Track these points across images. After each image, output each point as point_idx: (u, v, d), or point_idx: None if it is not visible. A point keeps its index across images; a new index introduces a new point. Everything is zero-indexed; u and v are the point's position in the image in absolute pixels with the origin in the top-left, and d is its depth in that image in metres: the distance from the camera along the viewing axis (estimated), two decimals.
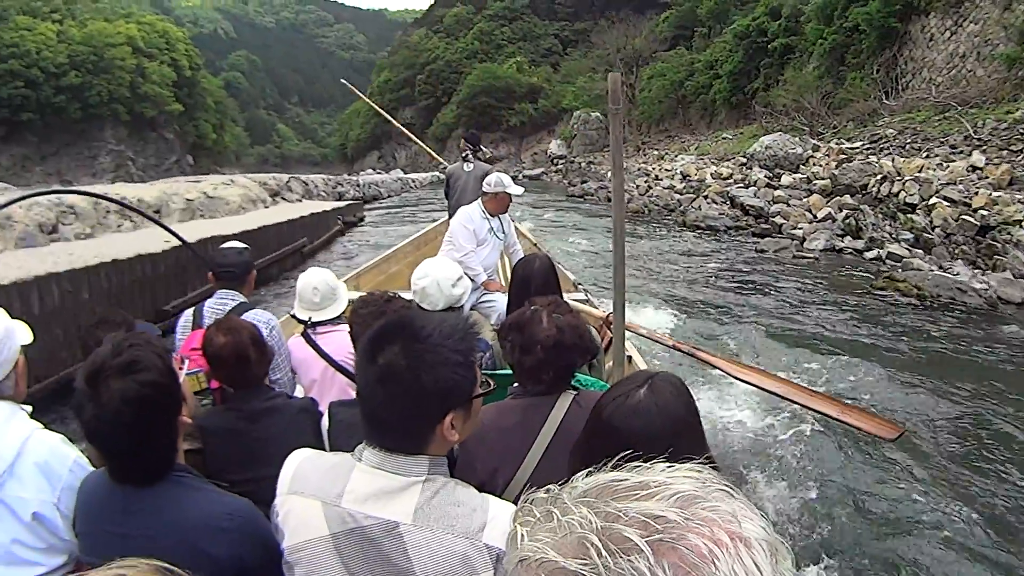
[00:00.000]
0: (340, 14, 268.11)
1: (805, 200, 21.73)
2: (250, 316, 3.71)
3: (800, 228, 19.22)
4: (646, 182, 35.99)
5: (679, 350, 4.74)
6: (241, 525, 1.93)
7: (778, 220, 20.57)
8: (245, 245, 4.28)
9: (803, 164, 28.09)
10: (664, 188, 32.32)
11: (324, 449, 2.62)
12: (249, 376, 2.96)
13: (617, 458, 0.77)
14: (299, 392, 3.90)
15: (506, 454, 2.34)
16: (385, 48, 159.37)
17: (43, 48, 60.83)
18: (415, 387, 1.61)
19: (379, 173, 66.09)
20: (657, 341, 5.10)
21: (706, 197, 26.80)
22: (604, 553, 0.62)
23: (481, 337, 2.80)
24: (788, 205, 21.68)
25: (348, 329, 3.20)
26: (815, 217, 19.87)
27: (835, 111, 37.59)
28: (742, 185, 26.52)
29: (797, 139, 30.47)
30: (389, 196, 46.76)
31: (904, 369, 8.94)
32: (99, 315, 3.75)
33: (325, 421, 2.92)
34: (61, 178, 61.45)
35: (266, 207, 20.80)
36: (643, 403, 1.69)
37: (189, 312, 4.06)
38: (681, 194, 29.84)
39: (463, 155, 9.57)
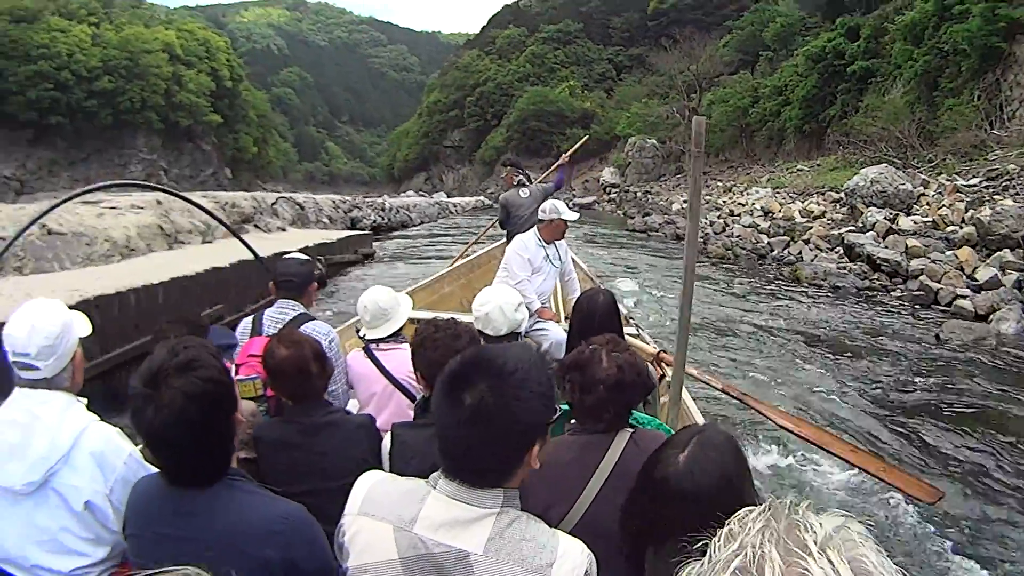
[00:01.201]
0: (393, 35, 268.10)
1: (949, 253, 16.83)
2: (309, 327, 3.76)
3: (965, 296, 14.18)
4: (721, 219, 31.35)
5: (728, 394, 4.50)
6: (294, 528, 1.93)
7: (924, 280, 15.52)
8: (307, 257, 4.32)
9: (914, 203, 23.32)
10: (745, 227, 27.56)
11: (381, 467, 2.67)
12: (309, 390, 2.95)
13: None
14: (352, 405, 3.95)
15: (561, 490, 2.29)
16: (436, 70, 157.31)
17: (76, 51, 58.29)
18: (506, 427, 1.63)
19: (419, 195, 62.10)
20: (707, 383, 4.73)
21: (806, 241, 22.13)
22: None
23: None
24: (931, 259, 16.62)
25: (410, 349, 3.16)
26: (972, 279, 14.99)
27: (931, 142, 32.90)
28: (852, 228, 21.57)
29: (902, 173, 25.48)
30: (421, 223, 42.37)
31: None
32: (176, 315, 3.88)
33: (387, 441, 2.81)
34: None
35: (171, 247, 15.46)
36: (695, 462, 1.66)
37: (248, 320, 4.07)
38: (769, 235, 25.00)
39: (517, 182, 9.19)
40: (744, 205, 33.29)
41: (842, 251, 19.75)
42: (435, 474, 1.73)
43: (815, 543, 0.77)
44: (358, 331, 4.09)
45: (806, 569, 0.72)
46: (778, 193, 34.79)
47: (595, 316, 3.80)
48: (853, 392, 9.61)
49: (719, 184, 49.34)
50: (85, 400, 2.44)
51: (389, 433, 2.82)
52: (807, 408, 8.90)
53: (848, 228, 21.78)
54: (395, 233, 34.49)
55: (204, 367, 1.86)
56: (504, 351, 1.76)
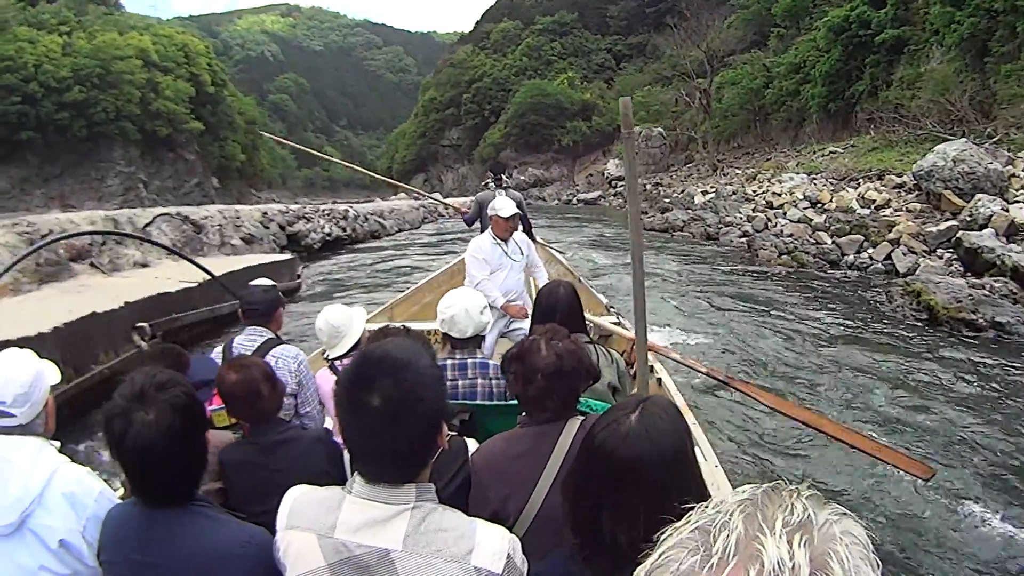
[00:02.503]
0: (389, 37, 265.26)
1: None
2: (278, 352, 3.86)
3: None
4: (758, 212, 25.86)
5: (714, 378, 4.70)
6: (255, 552, 1.96)
7: None
8: (272, 282, 4.37)
9: (1005, 185, 18.22)
10: (793, 222, 22.04)
11: (342, 477, 2.70)
12: (261, 411, 2.98)
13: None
14: (329, 423, 3.95)
15: (517, 482, 2.33)
16: (433, 70, 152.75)
17: (44, 61, 53.29)
18: (413, 420, 1.66)
19: (397, 199, 56.75)
20: (690, 367, 4.85)
21: (894, 242, 16.62)
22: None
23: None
24: None
25: None
26: None
27: (985, 114, 28.14)
28: (954, 222, 16.14)
29: (981, 149, 20.19)
30: (400, 231, 36.91)
31: None
32: (157, 349, 3.86)
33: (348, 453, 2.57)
34: (64, 202, 53.90)
35: None
36: (633, 429, 1.64)
37: (219, 348, 4.13)
38: (830, 233, 19.24)
39: (485, 184, 9.75)
40: (780, 195, 27.71)
41: (952, 255, 14.45)
42: (351, 479, 1.73)
43: (783, 524, 0.72)
44: (323, 353, 4.17)
45: (762, 546, 0.69)
46: (815, 180, 29.43)
47: (555, 308, 3.82)
48: None
49: (738, 172, 44.19)
50: (57, 443, 2.50)
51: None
52: None
53: (947, 222, 16.44)
54: (362, 246, 29.34)
55: (182, 385, 1.99)
56: (389, 347, 1.76)
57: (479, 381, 3.59)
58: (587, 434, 1.76)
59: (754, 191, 31.94)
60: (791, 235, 20.41)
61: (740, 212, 26.46)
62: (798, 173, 31.91)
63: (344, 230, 29.96)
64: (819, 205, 24.08)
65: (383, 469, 1.69)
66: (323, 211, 30.61)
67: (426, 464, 1.74)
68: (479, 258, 6.36)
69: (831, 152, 36.01)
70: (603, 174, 66.41)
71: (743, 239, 22.66)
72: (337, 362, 3.97)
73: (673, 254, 21.78)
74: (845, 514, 0.75)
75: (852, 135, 38.95)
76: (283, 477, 2.33)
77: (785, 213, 24.14)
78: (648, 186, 50.93)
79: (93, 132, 55.87)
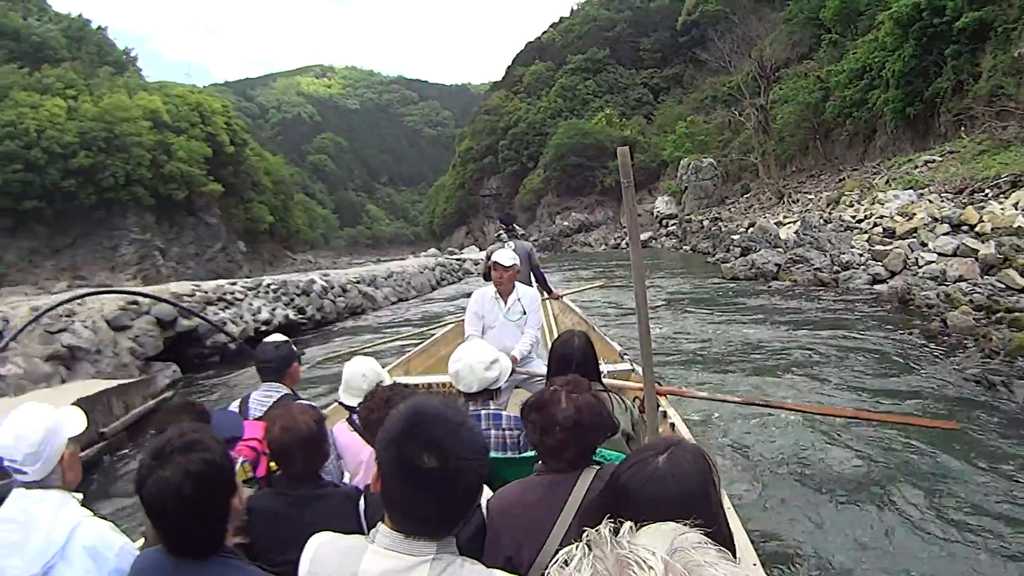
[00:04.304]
0: (424, 91, 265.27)
1: None
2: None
3: None
4: (875, 244, 19.25)
5: (725, 401, 5.40)
6: None
7: None
8: (285, 338, 4.32)
9: None
10: (947, 255, 15.85)
11: (364, 532, 2.43)
12: (299, 469, 2.88)
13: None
14: (346, 476, 3.94)
15: (531, 530, 2.34)
16: None
17: (47, 126, 50.23)
18: (465, 481, 1.65)
19: (422, 255, 51.67)
20: (701, 398, 5.47)
21: None
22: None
23: (518, 416, 2.89)
24: None
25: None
26: None
27: None
28: None
29: None
30: (401, 300, 28.99)
31: None
32: (178, 404, 3.87)
33: (361, 503, 2.89)
34: (75, 274, 50.80)
35: None
36: (660, 471, 1.63)
37: (236, 404, 4.13)
38: (1021, 269, 12.50)
39: (497, 235, 9.27)
40: (895, 219, 20.90)
41: None
42: (375, 528, 1.72)
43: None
44: (342, 403, 4.07)
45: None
46: (925, 196, 23.12)
47: (571, 358, 3.79)
48: None
49: (810, 198, 38.00)
50: (80, 495, 2.54)
51: (362, 496, 2.89)
52: None
53: None
54: (338, 326, 22.20)
55: (206, 450, 1.94)
56: (440, 405, 1.73)
57: (492, 432, 3.45)
58: (612, 474, 1.72)
59: (853, 217, 25.10)
60: (958, 275, 13.90)
61: (853, 246, 19.97)
62: (893, 190, 25.77)
63: (302, 311, 21.27)
64: (964, 227, 17.83)
65: (422, 525, 1.65)
66: (268, 286, 21.23)
67: (455, 528, 1.70)
68: (475, 312, 6.22)
69: (926, 162, 29.79)
70: (652, 213, 60.86)
71: (879, 285, 16.40)
72: (355, 416, 3.78)
73: (787, 315, 15.15)
74: (674, 527, 0.81)
75: (937, 141, 33.66)
76: (310, 531, 2.17)
77: (924, 243, 17.63)
78: (705, 222, 45.45)
79: (103, 199, 53.39)
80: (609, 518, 1.39)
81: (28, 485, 2.45)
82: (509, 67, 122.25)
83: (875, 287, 16.52)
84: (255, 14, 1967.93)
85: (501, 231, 9.17)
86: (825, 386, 9.05)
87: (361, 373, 3.96)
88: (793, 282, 19.96)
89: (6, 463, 2.44)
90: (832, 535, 5.57)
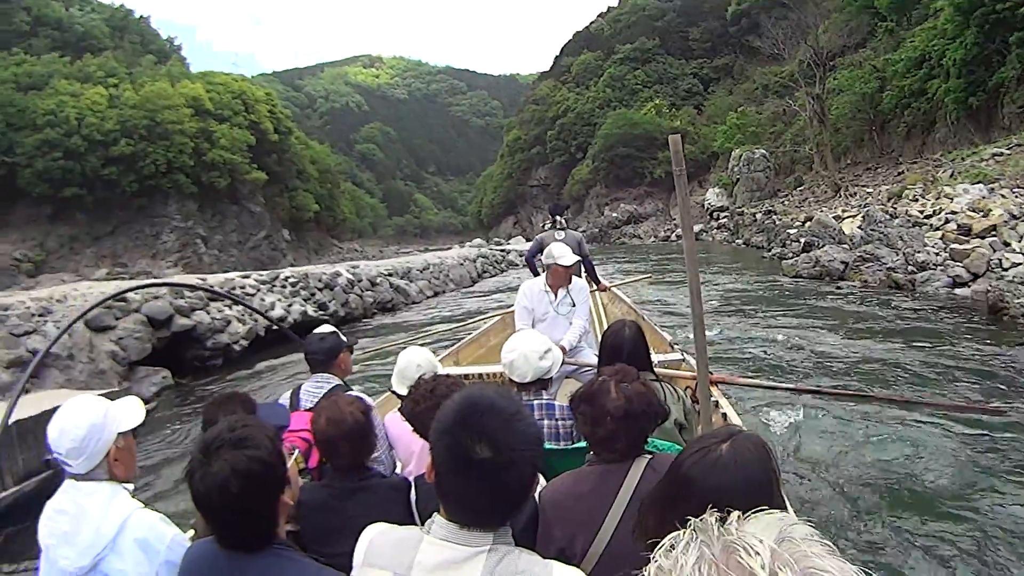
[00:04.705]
0: (472, 81, 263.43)
1: None
2: None
3: None
4: (950, 243, 17.77)
5: (776, 388, 5.47)
6: None
7: None
8: (333, 329, 4.35)
9: None
10: (1016, 260, 14.82)
11: (415, 522, 2.72)
12: (346, 461, 2.90)
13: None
14: (398, 466, 3.98)
15: (584, 520, 2.32)
16: None
17: (87, 114, 50.57)
18: (519, 472, 1.63)
19: (468, 245, 51.08)
20: (754, 385, 5.73)
21: None
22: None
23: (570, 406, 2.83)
24: None
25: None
26: None
27: None
28: None
29: None
30: (437, 294, 27.95)
31: None
32: (224, 395, 3.63)
33: (412, 493, 2.92)
34: (115, 261, 51.31)
35: None
36: (723, 459, 1.63)
37: (287, 394, 4.17)
38: None
39: (549, 224, 9.16)
40: (968, 214, 19.15)
41: None
42: (431, 519, 1.70)
43: (763, 568, 0.73)
44: (395, 392, 4.06)
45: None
46: (996, 190, 22.05)
47: (622, 348, 3.80)
48: None
49: (868, 191, 36.86)
50: (131, 486, 2.55)
51: (413, 485, 2.92)
52: None
53: None
54: (364, 323, 21.13)
55: (255, 447, 1.91)
56: (494, 395, 1.70)
57: (545, 422, 3.50)
58: (674, 464, 1.73)
59: (920, 212, 23.51)
60: None
61: (927, 244, 18.57)
62: (960, 183, 24.78)
63: (323, 307, 20.02)
64: None
65: (476, 516, 1.63)
66: (285, 279, 19.92)
67: (509, 519, 1.68)
68: (525, 306, 6.16)
69: (993, 155, 28.65)
70: (702, 205, 59.83)
71: (960, 289, 15.27)
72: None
73: (861, 322, 13.88)
74: (781, 517, 0.81)
75: (1001, 133, 32.51)
76: (357, 523, 2.18)
77: (1007, 243, 16.36)
78: (758, 215, 44.43)
79: (145, 186, 53.57)
80: (671, 507, 1.49)
81: (76, 477, 2.48)
82: (557, 57, 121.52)
83: (955, 291, 15.22)
84: (303, 5, 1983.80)
85: (555, 219, 9.10)
86: (913, 410, 7.79)
87: (416, 363, 3.99)
88: (863, 283, 18.54)
89: (54, 454, 2.49)
90: (882, 529, 5.47)
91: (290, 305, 18.68)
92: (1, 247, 48.64)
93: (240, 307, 16.09)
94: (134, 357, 13.27)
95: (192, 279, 17.73)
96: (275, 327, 12.21)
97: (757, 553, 0.73)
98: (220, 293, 14.93)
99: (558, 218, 9.12)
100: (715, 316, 15.65)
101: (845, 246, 22.61)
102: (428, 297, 26.87)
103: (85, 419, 2.45)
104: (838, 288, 18.57)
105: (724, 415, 4.70)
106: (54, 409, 2.54)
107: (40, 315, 12.58)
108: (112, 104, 52.65)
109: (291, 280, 20.03)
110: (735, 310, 16.82)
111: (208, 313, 15.64)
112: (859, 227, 24.09)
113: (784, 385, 5.42)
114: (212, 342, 15.22)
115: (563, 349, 5.55)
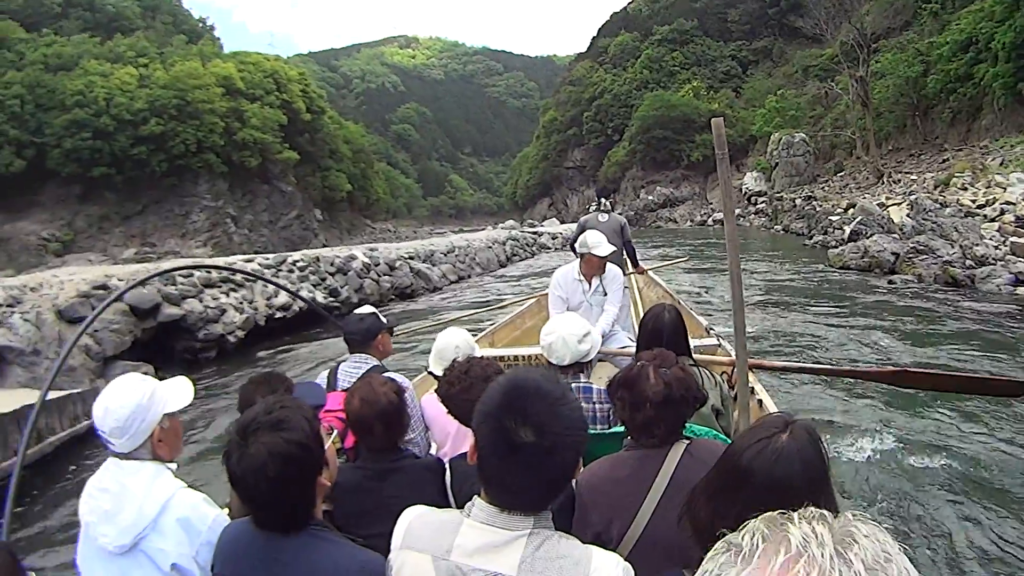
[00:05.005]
0: (509, 63, 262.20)
1: None
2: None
3: None
4: (1008, 235, 17.38)
5: (810, 371, 5.55)
6: None
7: None
8: (372, 310, 4.32)
9: None
10: None
11: (449, 504, 2.76)
12: (378, 441, 2.90)
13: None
14: (433, 447, 3.98)
15: (620, 505, 2.33)
16: None
17: (116, 93, 50.75)
18: (562, 456, 1.62)
19: (497, 227, 50.68)
20: (794, 370, 5.53)
21: None
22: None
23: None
24: None
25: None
26: None
27: None
28: None
29: None
30: (460, 279, 26.94)
31: None
32: (261, 375, 3.60)
33: (448, 476, 2.92)
34: (144, 240, 51.43)
35: None
36: (786, 450, 1.59)
37: (325, 374, 4.14)
38: None
39: (594, 206, 9.16)
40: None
41: None
42: (470, 502, 1.70)
43: (799, 517, 0.79)
44: (432, 373, 4.03)
45: (787, 530, 0.75)
46: None
47: (662, 333, 3.78)
48: None
49: (912, 178, 36.06)
50: (174, 466, 2.57)
51: (448, 468, 2.92)
52: None
53: None
54: (386, 311, 17.81)
55: (292, 429, 1.91)
56: (539, 378, 1.69)
57: (583, 406, 2.44)
58: (728, 454, 1.70)
59: (972, 202, 22.88)
60: None
61: (984, 237, 17.89)
62: (1013, 172, 24.01)
63: (334, 293, 19.10)
64: None
65: (518, 500, 1.63)
66: (294, 263, 19.16)
67: (553, 502, 1.68)
68: (557, 295, 6.18)
69: None
70: (740, 189, 58.97)
71: (1023, 288, 14.43)
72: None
73: (917, 323, 12.76)
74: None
75: None
76: (391, 504, 2.27)
77: None
78: (798, 201, 43.71)
79: (175, 166, 53.46)
80: (726, 498, 1.54)
81: (119, 456, 2.49)
82: (594, 38, 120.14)
83: (1019, 290, 14.30)
84: None
85: (600, 200, 9.17)
86: (979, 427, 7.25)
87: (455, 345, 3.96)
88: (916, 277, 17.52)
89: (98, 432, 2.49)
90: (925, 514, 5.45)
91: (297, 291, 16.28)
92: (29, 227, 48.91)
93: (238, 295, 15.78)
94: (111, 351, 12.14)
95: (220, 261, 17.55)
96: (303, 308, 12.52)
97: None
98: (256, 276, 14.01)
99: (603, 200, 9.15)
100: (756, 308, 15.15)
101: (895, 236, 21.47)
102: (452, 282, 25.90)
103: (130, 399, 2.46)
104: (891, 282, 17.63)
105: (760, 401, 4.70)
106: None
107: (9, 305, 11.32)
108: (142, 84, 52.72)
109: (299, 264, 19.16)
110: (778, 301, 16.30)
111: (201, 301, 14.63)
112: (908, 216, 23.14)
113: (824, 367, 5.39)
114: (204, 333, 14.22)
115: None
